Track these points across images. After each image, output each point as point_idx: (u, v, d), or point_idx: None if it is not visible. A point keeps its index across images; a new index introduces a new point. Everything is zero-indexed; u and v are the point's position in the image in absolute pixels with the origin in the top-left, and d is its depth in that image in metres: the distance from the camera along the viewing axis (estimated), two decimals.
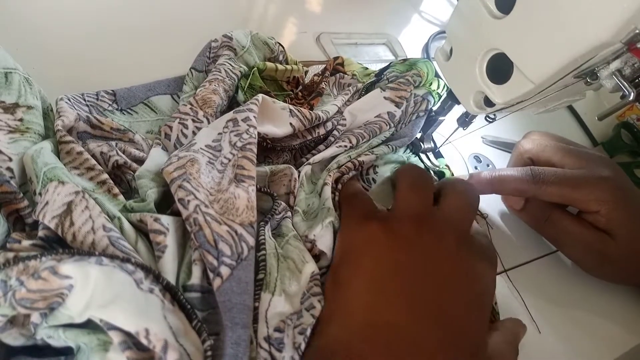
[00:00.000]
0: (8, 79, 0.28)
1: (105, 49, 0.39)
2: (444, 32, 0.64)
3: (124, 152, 0.30)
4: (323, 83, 0.43)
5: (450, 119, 0.43)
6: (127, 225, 0.25)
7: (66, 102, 0.30)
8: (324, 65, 0.45)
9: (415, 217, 0.28)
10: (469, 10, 0.32)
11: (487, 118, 0.38)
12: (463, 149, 0.51)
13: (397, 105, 0.39)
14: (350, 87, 0.42)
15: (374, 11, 0.62)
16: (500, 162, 0.52)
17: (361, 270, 0.26)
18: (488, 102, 0.34)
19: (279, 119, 0.34)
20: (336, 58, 0.45)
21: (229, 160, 0.29)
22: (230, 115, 0.32)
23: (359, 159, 0.36)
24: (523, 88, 0.29)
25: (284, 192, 0.33)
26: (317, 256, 0.29)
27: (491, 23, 0.30)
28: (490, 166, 0.51)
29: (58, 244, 0.23)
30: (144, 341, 0.19)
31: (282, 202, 0.31)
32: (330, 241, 0.29)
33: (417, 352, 0.23)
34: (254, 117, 0.31)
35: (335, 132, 0.37)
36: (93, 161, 0.28)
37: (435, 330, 0.24)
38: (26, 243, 0.22)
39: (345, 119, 0.38)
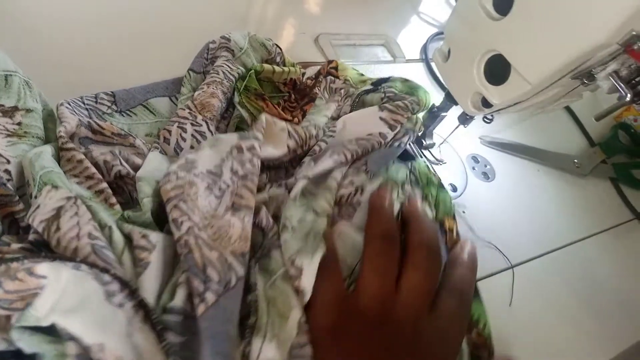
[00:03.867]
0: (8, 81, 0.28)
1: (105, 50, 0.40)
2: (442, 33, 0.64)
3: (127, 161, 0.30)
4: (316, 88, 0.42)
5: (450, 118, 0.44)
6: (117, 235, 0.25)
7: (66, 107, 0.30)
8: (317, 69, 0.45)
9: (376, 307, 0.28)
10: (467, 11, 0.32)
11: (485, 119, 0.38)
12: (461, 150, 0.51)
13: (391, 127, 0.38)
14: (341, 91, 0.42)
15: (373, 12, 0.62)
16: (498, 163, 0.52)
17: None
18: (486, 103, 0.34)
19: (277, 141, 0.34)
20: (330, 62, 0.45)
21: (228, 187, 0.29)
22: (235, 140, 0.31)
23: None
24: (520, 89, 0.30)
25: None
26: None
27: (489, 24, 0.30)
28: (488, 167, 0.52)
29: (46, 249, 0.23)
30: (96, 355, 0.19)
31: (275, 230, 0.30)
32: (313, 279, 0.27)
33: None
34: (259, 145, 0.31)
35: (321, 143, 0.36)
36: (93, 170, 0.27)
37: None
38: (15, 246, 0.22)
39: (335, 128, 0.37)
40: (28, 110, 0.28)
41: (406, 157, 0.41)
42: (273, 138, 0.34)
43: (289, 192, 0.32)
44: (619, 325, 0.42)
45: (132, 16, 0.44)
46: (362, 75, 0.46)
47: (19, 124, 0.27)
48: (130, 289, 0.22)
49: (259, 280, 0.27)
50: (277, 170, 0.35)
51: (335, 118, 0.40)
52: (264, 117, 0.33)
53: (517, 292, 0.40)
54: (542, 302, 0.41)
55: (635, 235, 0.53)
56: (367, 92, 0.42)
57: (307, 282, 0.27)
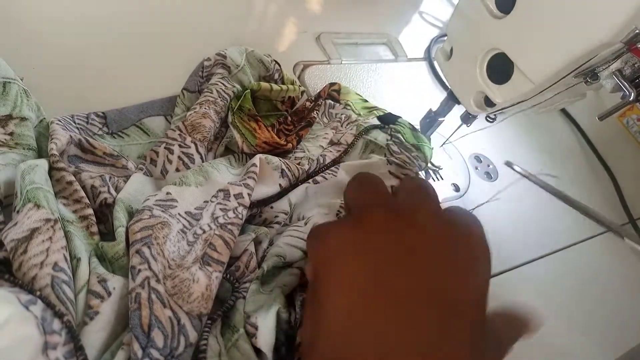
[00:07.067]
0: (6, 89, 0.28)
1: (102, 62, 0.39)
2: (445, 35, 0.64)
3: (116, 188, 0.29)
4: (314, 112, 0.41)
5: (450, 119, 0.43)
6: (83, 269, 0.23)
7: (57, 124, 0.29)
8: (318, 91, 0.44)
9: (377, 206, 0.24)
10: (470, 10, 0.32)
11: (488, 118, 0.38)
12: (464, 149, 0.51)
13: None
14: (342, 116, 0.41)
15: (375, 11, 0.62)
16: (501, 162, 0.52)
17: (335, 280, 0.22)
18: (488, 102, 0.34)
19: (269, 180, 0.32)
20: (332, 84, 0.44)
21: (203, 232, 0.26)
22: (224, 184, 0.29)
23: None
24: (523, 88, 0.29)
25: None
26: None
27: (492, 23, 0.30)
28: (491, 166, 0.51)
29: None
30: None
31: (247, 286, 0.27)
32: (271, 338, 0.24)
33: (407, 349, 0.20)
34: (248, 194, 0.29)
35: (318, 178, 0.35)
36: (82, 193, 0.26)
37: (428, 317, 0.21)
38: None
39: (336, 173, 0.35)
40: (22, 119, 0.27)
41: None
42: (266, 178, 0.32)
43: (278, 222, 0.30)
44: (624, 325, 0.42)
45: (130, 20, 0.43)
46: (366, 101, 0.44)
47: (10, 134, 0.27)
48: (77, 344, 0.20)
49: (212, 346, 0.24)
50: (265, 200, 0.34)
51: (334, 143, 0.39)
52: (257, 159, 0.31)
53: (520, 292, 0.40)
54: (547, 301, 0.40)
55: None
56: (374, 127, 0.41)
57: (264, 341, 0.24)
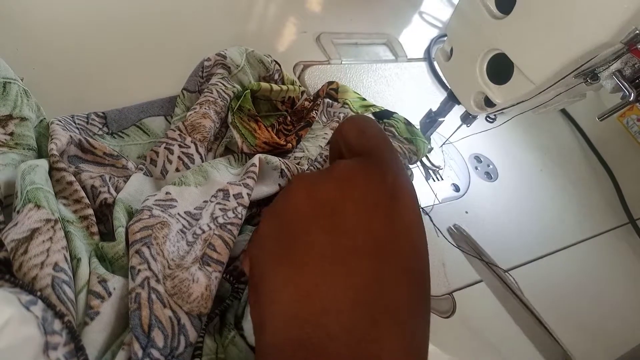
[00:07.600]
0: (6, 89, 0.28)
1: (102, 63, 0.39)
2: (445, 35, 0.64)
3: (116, 188, 0.29)
4: (313, 111, 0.41)
5: (450, 120, 0.43)
6: (83, 270, 0.23)
7: (58, 124, 0.29)
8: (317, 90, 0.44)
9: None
10: (469, 10, 0.32)
11: (488, 118, 0.38)
12: (464, 149, 0.51)
13: None
14: (340, 115, 0.41)
15: (375, 11, 0.62)
16: (501, 162, 0.52)
17: (270, 257, 0.22)
18: (488, 103, 0.34)
19: (268, 179, 0.32)
20: (330, 83, 0.44)
21: (203, 232, 0.26)
22: (223, 184, 0.29)
23: None
24: (523, 88, 0.29)
25: None
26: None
27: (491, 23, 0.30)
28: (491, 166, 0.51)
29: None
30: None
31: (242, 287, 0.27)
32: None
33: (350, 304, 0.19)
34: (248, 194, 0.28)
35: (312, 168, 0.36)
36: (82, 193, 0.27)
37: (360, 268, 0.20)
38: None
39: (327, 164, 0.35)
40: (22, 119, 0.27)
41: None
42: (265, 178, 0.32)
43: None
44: (624, 325, 0.42)
45: (130, 20, 0.43)
46: (364, 99, 0.44)
47: (10, 134, 0.27)
48: (77, 346, 0.20)
49: (208, 343, 0.24)
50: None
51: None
52: (257, 159, 0.31)
53: (522, 291, 0.40)
54: (547, 301, 0.40)
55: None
56: None
57: (252, 339, 0.23)
